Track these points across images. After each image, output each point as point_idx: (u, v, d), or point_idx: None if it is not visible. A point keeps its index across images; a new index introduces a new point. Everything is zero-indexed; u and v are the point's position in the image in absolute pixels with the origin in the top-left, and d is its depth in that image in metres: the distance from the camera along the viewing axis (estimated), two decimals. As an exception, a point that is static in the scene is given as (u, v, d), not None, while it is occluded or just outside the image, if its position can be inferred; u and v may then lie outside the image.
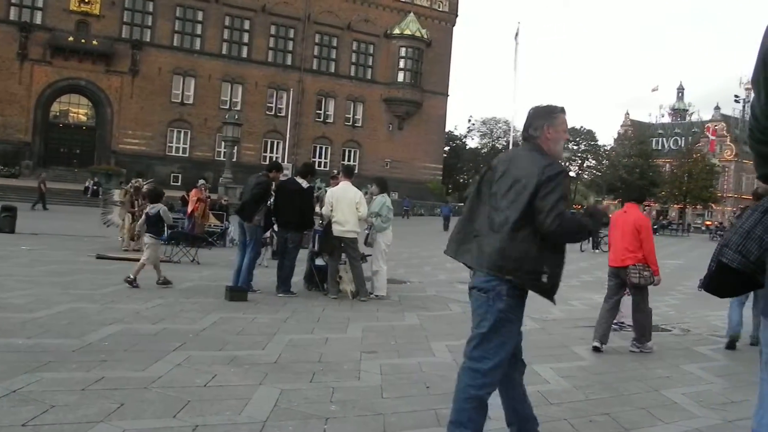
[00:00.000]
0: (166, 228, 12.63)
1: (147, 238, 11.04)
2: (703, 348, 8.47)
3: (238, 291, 9.78)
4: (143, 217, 11.53)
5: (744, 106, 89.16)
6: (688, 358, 7.89)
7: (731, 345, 8.62)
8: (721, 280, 2.60)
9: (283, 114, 63.10)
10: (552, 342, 8.30)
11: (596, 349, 7.83)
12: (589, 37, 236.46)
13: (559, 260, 4.02)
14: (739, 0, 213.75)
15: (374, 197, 11.23)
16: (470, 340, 3.99)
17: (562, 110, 4.25)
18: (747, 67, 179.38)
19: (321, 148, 66.79)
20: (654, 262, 7.99)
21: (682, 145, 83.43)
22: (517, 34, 54.28)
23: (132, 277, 10.23)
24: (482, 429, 3.92)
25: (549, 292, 4.00)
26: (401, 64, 69.45)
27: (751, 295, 8.63)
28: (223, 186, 43.92)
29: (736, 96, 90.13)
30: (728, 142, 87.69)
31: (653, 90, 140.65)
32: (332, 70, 67.80)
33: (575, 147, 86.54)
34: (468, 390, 3.88)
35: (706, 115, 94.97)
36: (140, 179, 17.17)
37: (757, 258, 2.00)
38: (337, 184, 11.12)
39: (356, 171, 57.05)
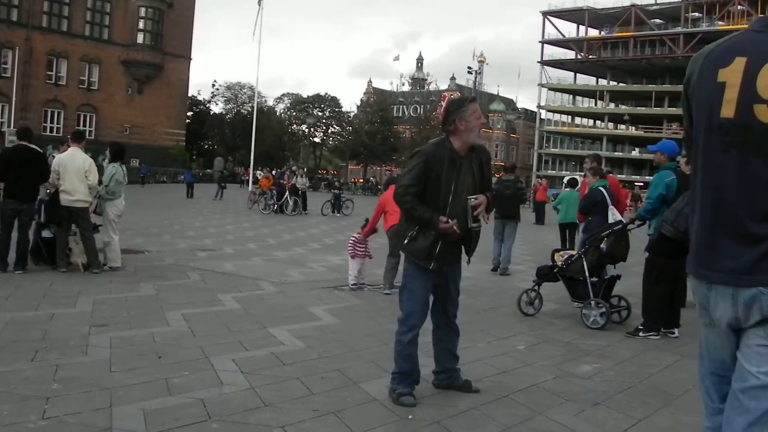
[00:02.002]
0: None
1: None
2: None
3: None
4: None
5: (476, 77, 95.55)
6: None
7: (497, 269, 12.35)
8: (663, 246, 3.38)
9: (8, 75, 57.95)
10: (290, 304, 8.47)
11: None
12: (333, 4, 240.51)
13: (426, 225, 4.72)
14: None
15: (107, 166, 10.71)
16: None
17: (472, 100, 4.93)
18: (479, 42, 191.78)
19: (53, 112, 62.28)
20: None
21: (421, 113, 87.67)
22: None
23: None
24: None
25: (411, 252, 4.83)
26: (141, 25, 66.65)
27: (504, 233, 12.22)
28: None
29: (469, 68, 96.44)
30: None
31: (394, 59, 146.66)
32: (64, 28, 63.28)
33: (320, 114, 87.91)
34: None
35: (443, 85, 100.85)
36: None
37: (685, 229, 2.43)
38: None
39: (93, 137, 54.17)
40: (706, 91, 2.24)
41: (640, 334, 7.49)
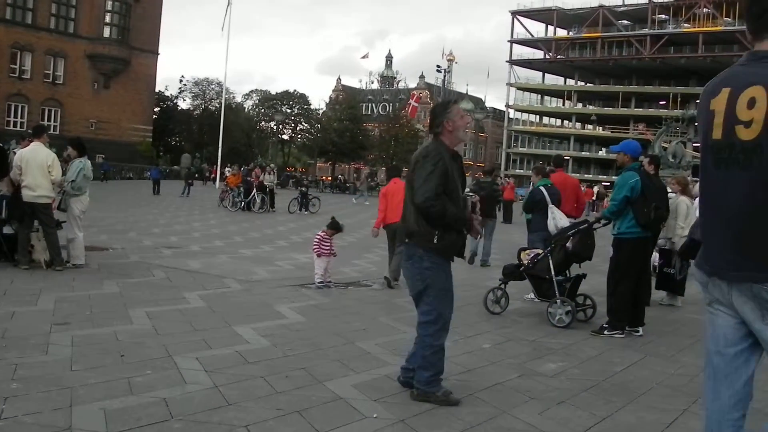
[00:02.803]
0: None
1: None
2: (400, 300, 8.98)
3: None
4: None
5: (445, 76, 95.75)
6: (385, 311, 8.42)
7: (471, 263, 13.19)
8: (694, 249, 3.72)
9: (-30, 68, 56.79)
10: (255, 302, 8.41)
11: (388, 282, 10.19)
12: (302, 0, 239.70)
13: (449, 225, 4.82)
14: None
15: (72, 161, 10.54)
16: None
17: (454, 102, 5.26)
18: (448, 40, 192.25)
19: (16, 106, 61.00)
20: None
21: (390, 111, 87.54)
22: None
23: None
24: None
25: (443, 250, 4.84)
26: (107, 19, 65.56)
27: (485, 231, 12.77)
28: None
29: (438, 66, 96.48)
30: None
31: (363, 57, 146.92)
32: (29, 20, 61.98)
33: (289, 111, 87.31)
34: None
35: (413, 83, 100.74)
36: None
37: None
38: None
39: (58, 132, 53.30)
40: (703, 119, 2.72)
41: (605, 332, 7.56)
